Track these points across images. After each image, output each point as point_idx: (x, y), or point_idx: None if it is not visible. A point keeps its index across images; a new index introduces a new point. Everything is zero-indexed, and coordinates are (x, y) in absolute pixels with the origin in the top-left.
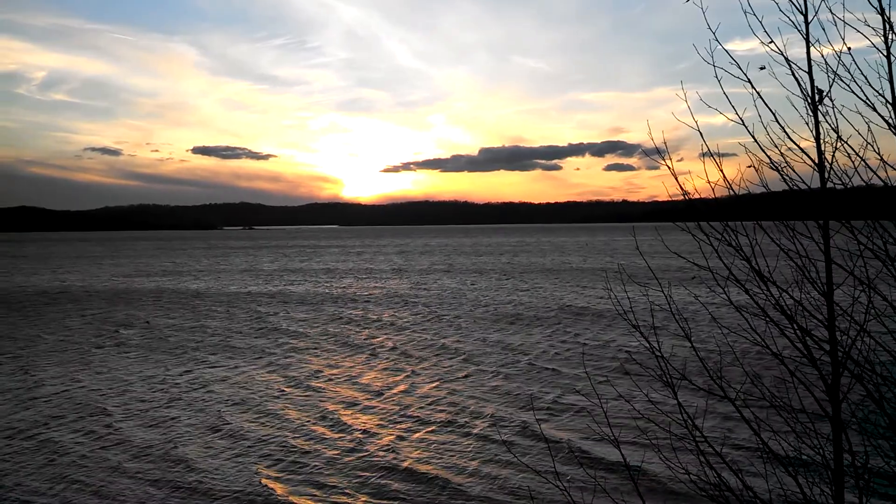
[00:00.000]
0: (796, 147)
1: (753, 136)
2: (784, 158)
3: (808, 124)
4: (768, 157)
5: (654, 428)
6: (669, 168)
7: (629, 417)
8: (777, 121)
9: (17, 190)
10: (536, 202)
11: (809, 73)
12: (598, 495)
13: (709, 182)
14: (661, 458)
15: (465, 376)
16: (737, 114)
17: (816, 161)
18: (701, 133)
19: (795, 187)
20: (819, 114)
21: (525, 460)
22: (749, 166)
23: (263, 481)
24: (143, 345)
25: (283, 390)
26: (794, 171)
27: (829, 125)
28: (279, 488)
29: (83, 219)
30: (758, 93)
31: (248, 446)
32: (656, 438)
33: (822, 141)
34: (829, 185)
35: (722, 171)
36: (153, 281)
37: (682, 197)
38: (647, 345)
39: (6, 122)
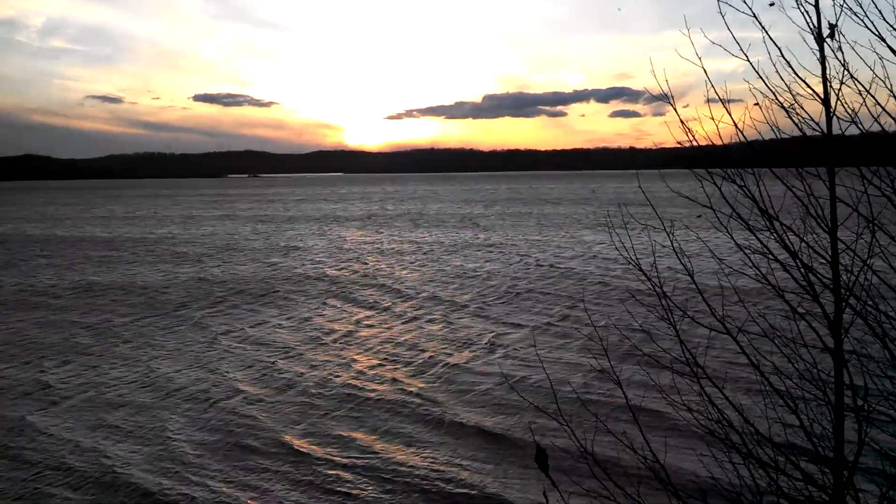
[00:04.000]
0: (803, 82)
1: (758, 72)
2: (792, 95)
3: (817, 59)
4: (774, 94)
5: (655, 365)
6: (676, 112)
7: (630, 355)
8: (783, 56)
9: (21, 138)
10: (543, 149)
11: (816, 5)
12: (599, 432)
13: (716, 125)
14: (662, 394)
15: (466, 309)
16: (742, 51)
17: (822, 97)
18: (707, 73)
19: (801, 123)
20: (827, 48)
21: (526, 396)
22: (756, 104)
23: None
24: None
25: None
26: (801, 108)
27: (839, 60)
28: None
29: (88, 167)
30: (764, 29)
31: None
32: (658, 375)
33: (828, 76)
34: (835, 121)
35: (731, 114)
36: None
37: (689, 143)
38: (649, 282)
39: (7, 70)
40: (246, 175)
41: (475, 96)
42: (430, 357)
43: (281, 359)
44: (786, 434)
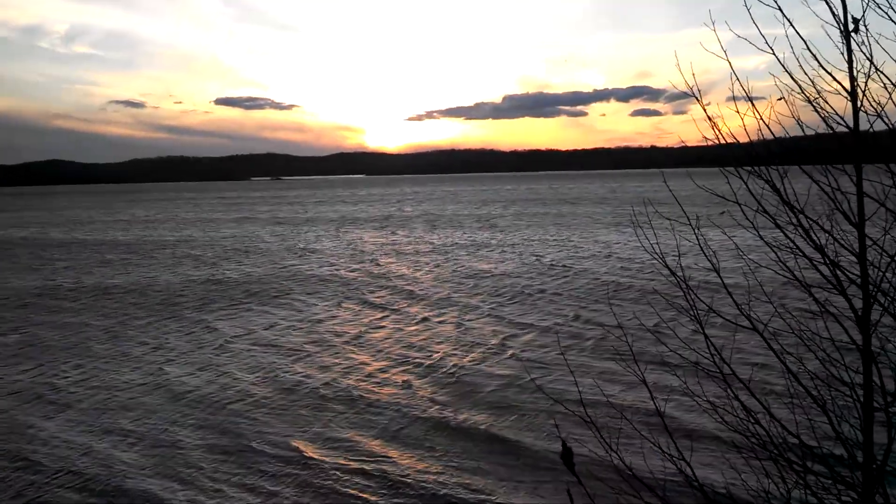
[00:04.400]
0: (829, 76)
1: (783, 65)
2: (816, 90)
3: (842, 55)
4: (800, 87)
5: (680, 363)
6: (706, 114)
7: (655, 352)
8: (808, 49)
9: (46, 143)
10: (563, 149)
11: None
12: (623, 430)
13: (741, 119)
14: (688, 392)
15: (482, 309)
16: (768, 44)
17: (849, 91)
18: (731, 65)
19: (827, 118)
20: (852, 42)
21: (550, 392)
22: (780, 98)
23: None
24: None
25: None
26: (826, 102)
27: (864, 54)
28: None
29: (112, 171)
30: (788, 20)
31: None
32: (683, 373)
33: (854, 70)
34: (862, 116)
35: (756, 109)
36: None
37: (713, 141)
38: (674, 277)
39: (31, 76)
40: (268, 178)
41: (495, 97)
42: (445, 357)
43: (293, 361)
44: (814, 433)
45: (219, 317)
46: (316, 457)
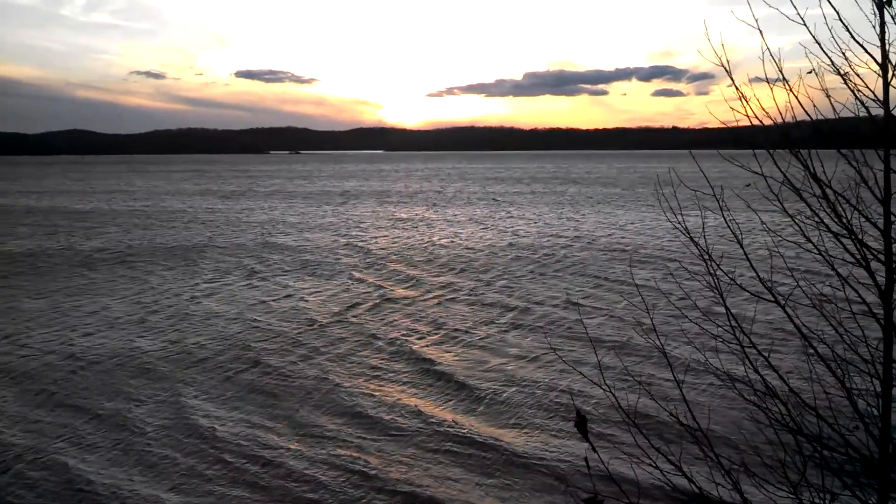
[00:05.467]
0: (860, 48)
1: (814, 36)
2: (848, 62)
3: (873, 27)
4: (830, 59)
5: (699, 332)
6: (736, 87)
7: (676, 323)
8: (840, 19)
9: (68, 113)
10: (584, 128)
11: None
12: (641, 398)
13: (771, 91)
14: (706, 363)
15: (499, 279)
16: (799, 15)
17: (880, 63)
18: (762, 34)
19: (857, 90)
20: (886, 13)
21: (569, 360)
22: (809, 72)
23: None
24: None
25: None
26: (857, 76)
27: None
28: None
29: (133, 142)
30: None
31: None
32: (702, 343)
33: (887, 44)
34: (893, 91)
35: (786, 80)
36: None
37: (737, 123)
38: (696, 248)
39: (52, 44)
40: (287, 151)
41: (516, 74)
42: (461, 327)
43: (302, 332)
44: (831, 405)
45: (238, 287)
46: (324, 425)
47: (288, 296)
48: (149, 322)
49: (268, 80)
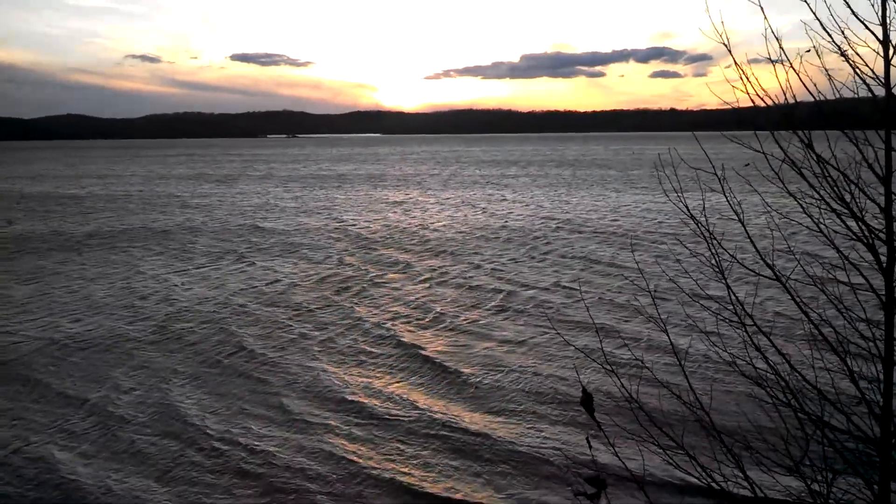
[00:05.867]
0: (860, 24)
1: (814, 13)
2: (848, 41)
3: (872, 6)
4: (830, 36)
5: (701, 312)
6: (737, 65)
7: (677, 301)
8: None
9: (64, 97)
10: (582, 111)
11: None
12: (644, 378)
13: (776, 71)
14: (708, 341)
15: (506, 260)
16: None
17: (881, 39)
18: (764, 11)
19: (857, 67)
20: None
21: (573, 341)
22: (808, 50)
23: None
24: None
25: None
26: (857, 54)
27: None
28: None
29: (129, 126)
30: None
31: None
32: (704, 322)
33: (888, 20)
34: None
35: (788, 59)
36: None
37: (736, 104)
38: (698, 227)
39: (48, 29)
40: (284, 135)
41: (512, 56)
42: (453, 311)
43: (290, 317)
44: (833, 384)
45: (227, 272)
46: (306, 410)
47: (276, 280)
48: (137, 307)
49: (263, 64)
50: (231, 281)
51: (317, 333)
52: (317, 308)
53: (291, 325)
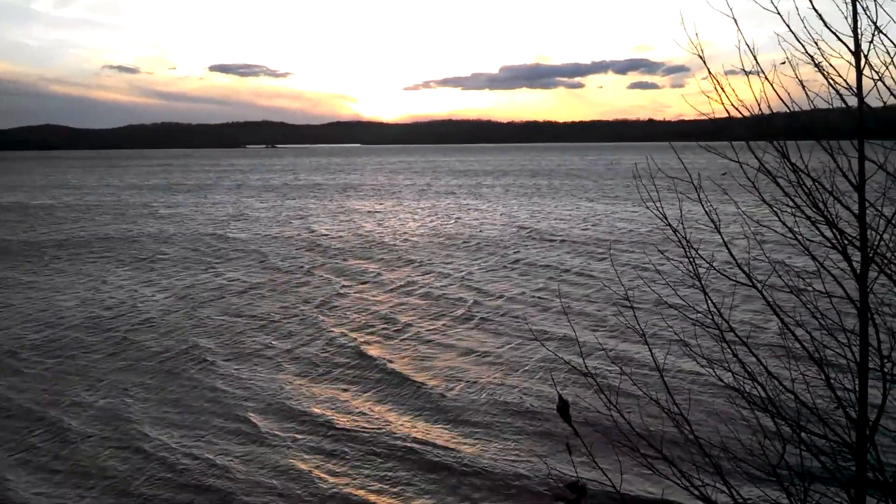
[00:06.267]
0: (833, 36)
1: (787, 24)
2: (822, 53)
3: (845, 18)
4: (804, 47)
5: (679, 319)
6: (711, 75)
7: (655, 309)
8: (814, 8)
9: (42, 108)
10: (561, 121)
11: None
12: (623, 384)
13: (749, 81)
14: (686, 348)
15: (482, 267)
16: (772, 2)
17: (853, 50)
18: (737, 23)
19: (829, 77)
20: (858, 3)
21: (549, 347)
22: (783, 62)
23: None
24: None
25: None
26: (830, 65)
27: (869, 19)
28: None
29: (108, 136)
30: None
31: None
32: (682, 329)
33: (859, 31)
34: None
35: (763, 71)
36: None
37: (713, 115)
38: (675, 235)
39: (26, 40)
40: (263, 146)
41: (492, 68)
42: (426, 322)
43: (254, 329)
44: (810, 391)
45: (197, 280)
46: (267, 424)
47: (243, 290)
48: (101, 317)
49: (242, 74)
50: (197, 290)
51: (281, 344)
52: (283, 318)
53: (256, 336)
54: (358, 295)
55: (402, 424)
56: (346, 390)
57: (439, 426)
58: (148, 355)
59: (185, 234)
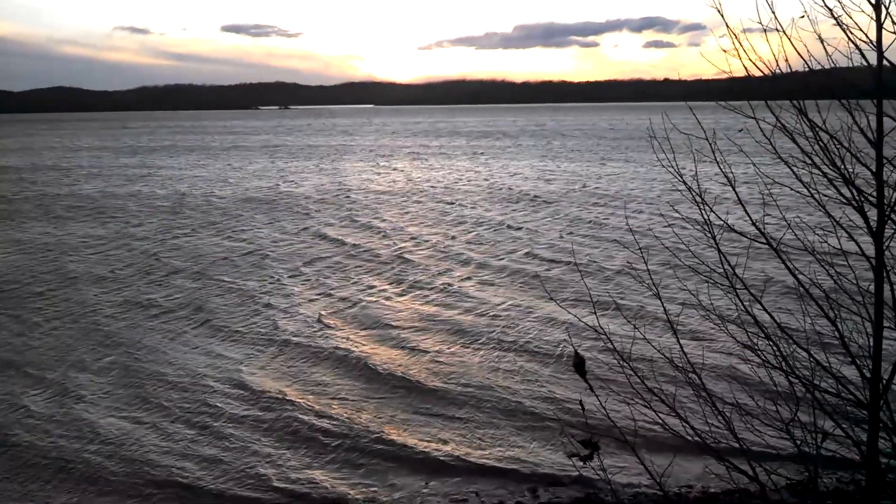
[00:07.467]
0: None
1: None
2: (840, 4)
3: None
4: (824, 2)
5: (693, 276)
6: (730, 31)
7: (670, 266)
8: None
9: (52, 70)
10: (576, 81)
11: None
12: (636, 341)
13: (768, 39)
14: (700, 305)
15: (492, 219)
16: None
17: (874, 3)
18: None
19: (849, 31)
20: None
21: (563, 304)
22: (802, 16)
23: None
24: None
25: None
26: (849, 17)
27: None
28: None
29: (119, 99)
30: None
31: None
32: (695, 286)
33: None
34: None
35: (784, 30)
36: None
37: (730, 73)
38: (689, 191)
39: (35, 1)
40: (276, 107)
41: (505, 27)
42: (444, 274)
43: (265, 287)
44: (823, 347)
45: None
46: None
47: (250, 252)
48: (112, 277)
49: (254, 35)
50: (206, 251)
51: (284, 301)
52: (292, 277)
53: (258, 297)
54: (368, 255)
55: (425, 367)
56: (343, 343)
57: (462, 370)
58: (154, 314)
59: (204, 197)
